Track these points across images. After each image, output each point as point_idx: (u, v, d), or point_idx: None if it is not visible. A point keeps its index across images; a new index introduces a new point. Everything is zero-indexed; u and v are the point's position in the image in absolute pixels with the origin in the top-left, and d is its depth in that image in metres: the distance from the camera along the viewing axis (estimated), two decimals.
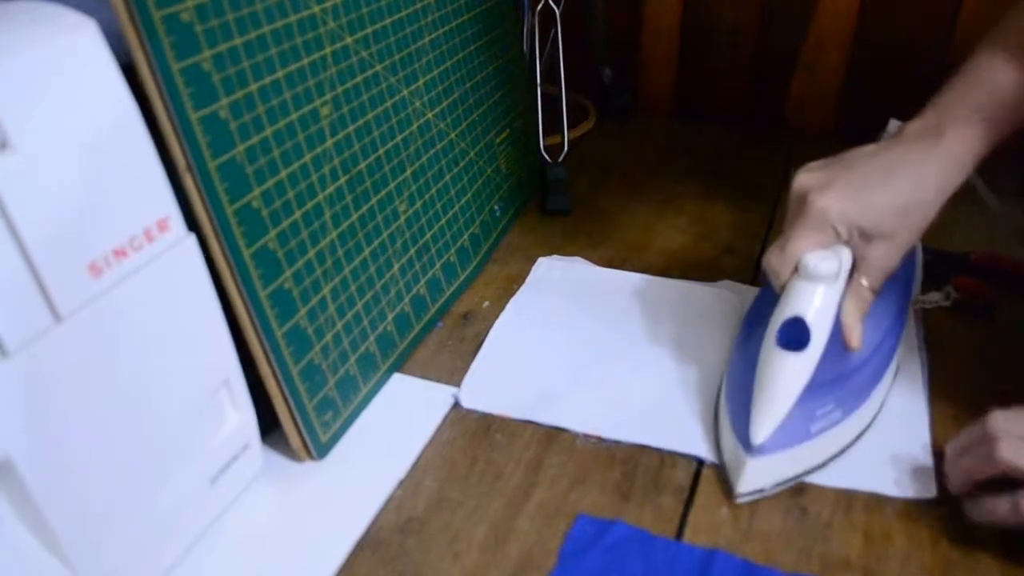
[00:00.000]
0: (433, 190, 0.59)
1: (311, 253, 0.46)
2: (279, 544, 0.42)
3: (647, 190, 0.79)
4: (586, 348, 0.56)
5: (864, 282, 0.47)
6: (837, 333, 0.47)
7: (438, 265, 0.60)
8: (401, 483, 0.46)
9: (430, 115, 0.59)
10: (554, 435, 0.50)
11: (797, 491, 0.46)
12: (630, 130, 0.94)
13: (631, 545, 0.42)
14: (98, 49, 0.33)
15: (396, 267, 0.55)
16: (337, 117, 0.49)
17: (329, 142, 0.48)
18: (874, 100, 0.84)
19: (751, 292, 0.62)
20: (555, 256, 0.68)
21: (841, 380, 0.47)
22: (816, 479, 0.46)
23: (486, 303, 0.62)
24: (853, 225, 0.46)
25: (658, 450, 0.48)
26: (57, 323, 0.32)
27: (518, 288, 0.63)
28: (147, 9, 0.36)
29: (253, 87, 0.42)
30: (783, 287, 0.47)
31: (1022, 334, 0.58)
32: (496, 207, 0.70)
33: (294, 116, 0.45)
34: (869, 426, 0.49)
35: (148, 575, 0.39)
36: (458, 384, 0.53)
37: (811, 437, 0.45)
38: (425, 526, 0.44)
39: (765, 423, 0.44)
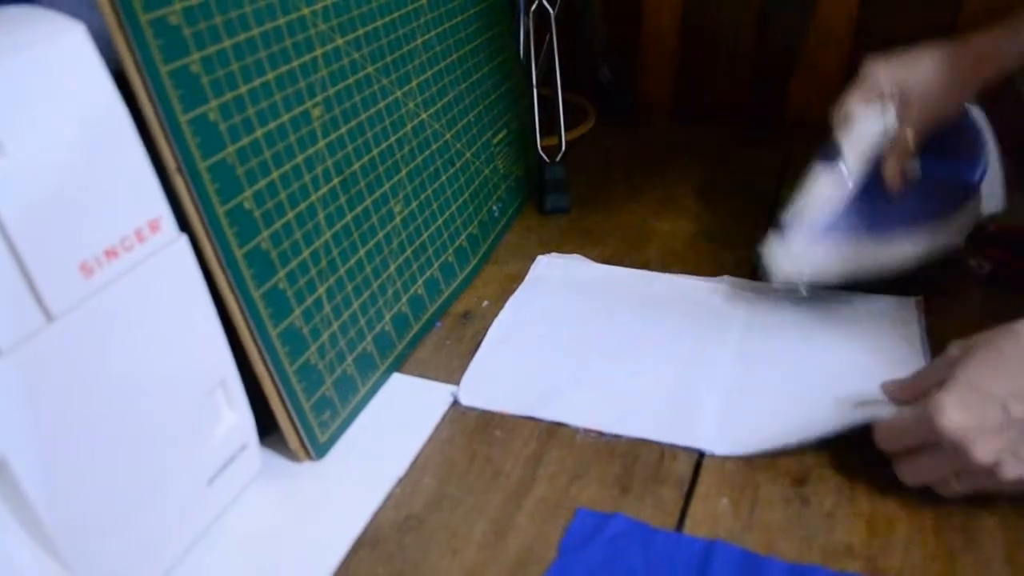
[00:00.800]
0: (429, 191, 0.60)
1: (305, 253, 0.46)
2: (278, 544, 0.43)
3: (646, 189, 0.79)
4: (586, 344, 0.56)
5: (908, 132, 0.56)
6: (879, 176, 0.57)
7: (436, 265, 0.60)
8: (400, 481, 0.46)
9: (424, 116, 0.59)
10: (553, 430, 0.49)
11: (798, 481, 0.45)
12: (629, 130, 0.94)
13: (631, 538, 0.42)
14: (87, 52, 0.34)
15: (393, 267, 0.55)
16: (329, 119, 0.49)
17: (321, 143, 0.48)
18: None
19: (750, 287, 0.62)
20: (554, 254, 0.68)
21: (881, 206, 0.56)
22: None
23: (485, 303, 0.62)
24: (896, 82, 0.56)
25: (658, 443, 0.48)
26: (49, 323, 0.32)
27: (518, 288, 0.63)
28: (134, 12, 0.36)
29: (243, 89, 0.42)
30: (843, 115, 0.57)
31: None
32: (494, 207, 0.70)
33: (285, 118, 0.45)
34: (897, 263, 0.56)
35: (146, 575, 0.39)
36: (457, 383, 0.53)
37: (839, 242, 0.54)
38: (424, 523, 0.44)
39: (804, 219, 0.54)
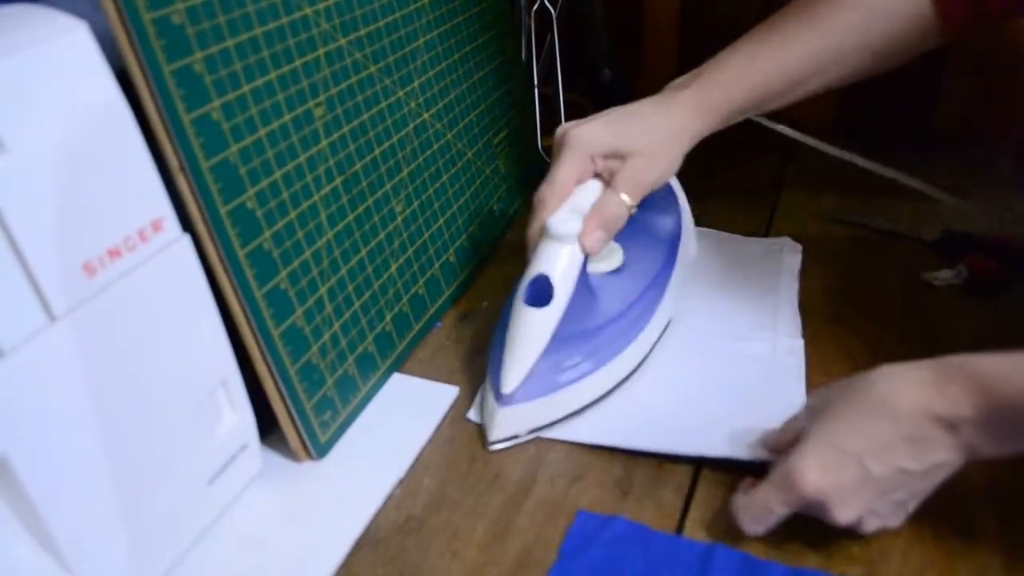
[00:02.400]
0: (430, 190, 0.60)
1: (307, 253, 0.46)
2: (278, 543, 0.42)
3: None
4: None
5: (621, 194, 0.50)
6: (583, 289, 0.50)
7: (436, 265, 0.60)
8: (400, 482, 0.46)
9: (426, 116, 0.59)
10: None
11: None
12: None
13: (631, 540, 0.42)
14: (90, 51, 0.34)
15: (394, 267, 0.55)
16: (331, 118, 0.49)
17: (323, 143, 0.48)
18: (872, 99, 0.83)
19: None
20: None
21: (589, 334, 0.49)
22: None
23: (485, 303, 0.62)
24: (607, 147, 0.50)
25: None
26: (52, 323, 0.32)
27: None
28: (137, 12, 0.36)
29: (246, 88, 0.42)
30: (540, 230, 0.50)
31: None
32: (495, 207, 0.70)
33: (287, 117, 0.45)
34: (628, 377, 0.52)
35: (147, 575, 0.39)
36: (458, 383, 0.53)
37: (560, 388, 0.48)
38: (424, 524, 0.44)
39: (513, 375, 0.47)
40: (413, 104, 0.58)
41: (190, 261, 0.38)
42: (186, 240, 0.38)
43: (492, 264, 0.67)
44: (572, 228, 0.48)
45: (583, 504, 0.44)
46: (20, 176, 0.31)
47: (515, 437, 0.48)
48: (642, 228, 0.56)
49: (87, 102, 0.33)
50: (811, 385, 0.52)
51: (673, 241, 0.57)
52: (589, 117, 0.52)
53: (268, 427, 0.45)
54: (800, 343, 0.55)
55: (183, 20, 0.38)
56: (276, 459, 0.47)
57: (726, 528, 0.43)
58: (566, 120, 0.76)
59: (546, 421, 0.49)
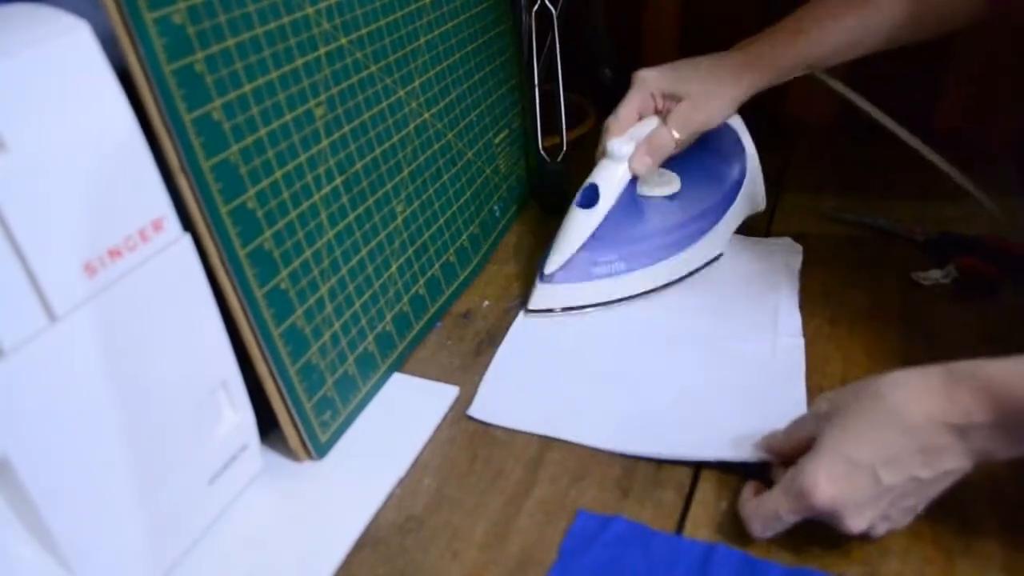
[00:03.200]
0: (431, 190, 0.60)
1: (307, 253, 0.46)
2: (279, 543, 0.43)
3: None
4: (593, 361, 0.56)
5: (672, 130, 0.58)
6: (634, 206, 0.60)
7: (437, 265, 0.60)
8: (401, 482, 0.46)
9: (427, 116, 0.59)
10: None
11: None
12: None
13: (632, 540, 0.42)
14: (91, 51, 0.34)
15: (394, 267, 0.55)
16: (332, 118, 0.49)
17: (324, 143, 0.48)
18: (873, 98, 0.83)
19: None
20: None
21: (628, 240, 0.58)
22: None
23: (486, 303, 0.62)
24: (666, 88, 0.59)
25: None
26: (52, 323, 0.32)
27: (518, 288, 0.63)
28: (139, 11, 0.36)
29: (246, 88, 0.42)
30: (601, 151, 0.60)
31: (1017, 318, 0.57)
32: (496, 207, 0.70)
33: (288, 117, 0.45)
34: (665, 286, 0.61)
35: (147, 575, 0.39)
36: (458, 383, 0.53)
37: (592, 278, 0.58)
38: (424, 524, 0.44)
39: (555, 260, 0.58)
40: (414, 104, 0.58)
41: (191, 261, 0.38)
42: (187, 240, 0.38)
43: (492, 264, 0.67)
44: (625, 151, 0.58)
45: (583, 504, 0.45)
46: (21, 176, 0.31)
47: (550, 311, 0.58)
48: (707, 168, 0.64)
49: (88, 101, 0.33)
50: (810, 384, 0.52)
51: (734, 184, 0.64)
52: (661, 65, 0.61)
53: (268, 427, 0.45)
54: (800, 343, 0.55)
55: (184, 20, 0.38)
56: (276, 459, 0.47)
57: (726, 528, 0.43)
58: (566, 120, 0.77)
59: (576, 303, 0.58)
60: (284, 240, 0.45)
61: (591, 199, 0.58)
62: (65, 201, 0.32)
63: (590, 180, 0.59)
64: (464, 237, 0.64)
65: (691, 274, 0.62)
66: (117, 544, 0.37)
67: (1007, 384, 0.36)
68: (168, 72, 0.38)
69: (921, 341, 0.55)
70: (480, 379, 0.54)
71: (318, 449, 0.47)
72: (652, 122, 0.59)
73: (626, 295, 0.59)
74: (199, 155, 0.39)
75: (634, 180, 0.59)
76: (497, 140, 0.71)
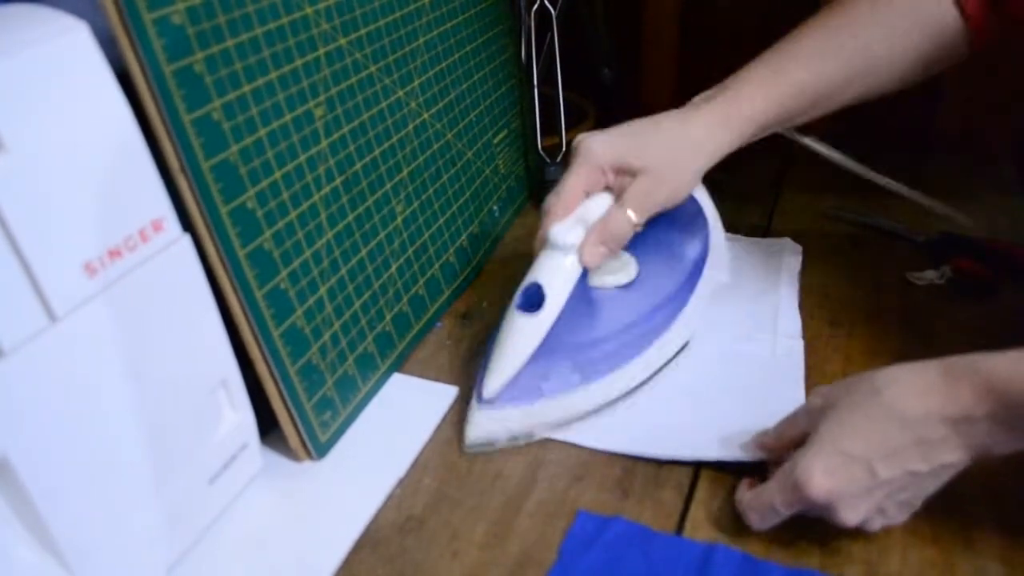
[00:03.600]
0: (430, 190, 0.60)
1: (307, 253, 0.46)
2: (279, 543, 0.43)
3: None
4: None
5: (628, 210, 0.48)
6: (584, 301, 0.49)
7: (436, 265, 0.60)
8: (401, 482, 0.46)
9: (426, 116, 0.59)
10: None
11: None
12: None
13: (631, 540, 0.42)
14: (90, 51, 0.34)
15: (394, 267, 0.55)
16: (331, 118, 0.49)
17: (324, 143, 0.48)
18: (872, 103, 0.83)
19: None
20: None
21: (581, 347, 0.48)
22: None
23: (485, 303, 0.62)
24: (618, 161, 0.49)
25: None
26: (52, 323, 0.32)
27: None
28: (138, 12, 0.36)
29: (246, 88, 0.42)
30: (542, 239, 0.49)
31: (1012, 320, 0.58)
32: (495, 207, 0.70)
33: (288, 117, 0.45)
34: (622, 397, 0.50)
35: (147, 575, 0.39)
36: (458, 383, 0.53)
37: (543, 396, 0.47)
38: (424, 524, 0.44)
39: (496, 378, 0.47)
40: (413, 104, 0.58)
41: (190, 261, 0.38)
42: (186, 240, 0.38)
43: (492, 264, 0.67)
44: (572, 239, 0.48)
45: (583, 504, 0.45)
46: (20, 176, 0.31)
47: (491, 444, 0.48)
48: (664, 246, 0.54)
49: (88, 102, 0.33)
50: (809, 384, 0.52)
51: (697, 263, 0.55)
52: (609, 128, 0.51)
53: (268, 427, 0.45)
54: (800, 344, 0.55)
55: (183, 20, 0.38)
56: (276, 459, 0.47)
57: (726, 527, 0.43)
58: (566, 120, 0.77)
59: (524, 430, 0.48)
60: (284, 240, 0.45)
61: (535, 302, 0.47)
62: (65, 201, 0.32)
63: (531, 278, 0.48)
64: (464, 237, 0.64)
65: (657, 373, 0.52)
66: (117, 544, 0.37)
67: (1007, 378, 0.36)
68: (167, 73, 0.38)
69: (918, 341, 0.55)
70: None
71: (318, 449, 0.47)
72: (603, 200, 0.49)
73: (584, 411, 0.49)
74: (199, 155, 0.39)
75: (584, 271, 0.49)
76: (496, 140, 0.71)
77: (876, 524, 0.40)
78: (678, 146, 0.50)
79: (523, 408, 0.47)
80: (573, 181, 0.49)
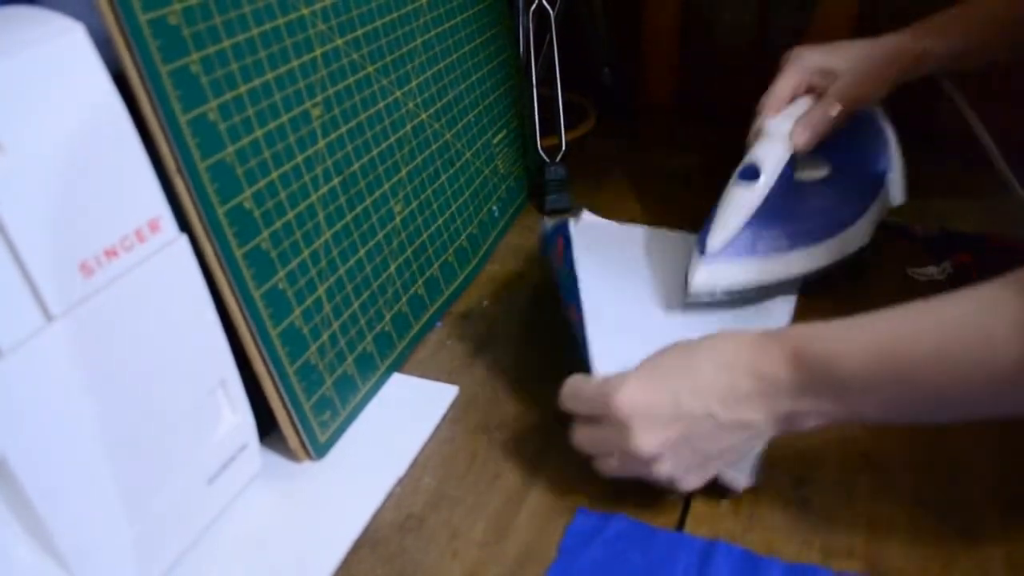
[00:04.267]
0: (429, 191, 0.60)
1: (305, 253, 0.46)
2: (278, 543, 0.43)
3: (647, 189, 0.79)
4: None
5: (832, 100, 0.59)
6: (792, 188, 0.58)
7: (436, 265, 0.60)
8: (400, 481, 0.46)
9: (424, 116, 0.59)
10: (555, 428, 0.49)
11: (798, 482, 0.45)
12: (630, 129, 0.94)
13: (631, 538, 0.42)
14: (86, 52, 0.34)
15: (393, 267, 0.55)
16: (329, 119, 0.49)
17: (321, 143, 0.48)
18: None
19: None
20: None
21: (790, 219, 0.57)
22: None
23: (485, 303, 0.62)
24: (821, 64, 0.60)
25: None
26: (49, 323, 0.32)
27: (518, 288, 0.63)
28: (133, 13, 0.36)
29: (242, 89, 0.42)
30: (757, 130, 0.60)
31: None
32: (495, 207, 0.70)
33: (284, 118, 0.45)
34: (818, 272, 0.58)
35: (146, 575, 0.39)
36: (458, 383, 0.53)
37: (756, 254, 0.56)
38: (424, 523, 0.44)
39: (719, 235, 0.56)
40: (411, 104, 0.58)
41: (187, 261, 0.39)
42: (183, 240, 0.38)
43: (492, 264, 0.67)
44: (784, 128, 0.58)
45: (583, 501, 0.44)
46: (17, 177, 0.31)
47: (712, 295, 0.55)
48: (853, 157, 0.63)
49: (84, 103, 0.34)
50: None
51: (880, 174, 0.63)
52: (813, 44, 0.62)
53: (268, 427, 0.45)
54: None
55: (179, 21, 0.39)
56: (276, 459, 0.47)
57: (728, 523, 0.43)
58: (565, 120, 0.77)
59: (740, 285, 0.55)
60: (281, 240, 0.45)
61: (752, 175, 0.57)
62: (61, 202, 0.33)
63: (748, 160, 0.58)
64: (463, 237, 0.64)
65: (842, 261, 0.59)
66: (115, 544, 0.37)
67: (808, 340, 0.38)
68: (164, 73, 0.38)
69: None
70: (480, 379, 0.54)
71: (317, 449, 0.47)
72: (805, 102, 0.60)
73: (789, 276, 0.57)
74: (195, 156, 0.39)
75: (790, 163, 0.59)
76: (496, 140, 0.71)
77: (665, 468, 0.40)
78: (868, 57, 0.60)
79: (740, 263, 0.55)
80: (785, 81, 0.60)
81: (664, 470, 0.40)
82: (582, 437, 0.43)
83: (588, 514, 0.43)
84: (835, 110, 0.58)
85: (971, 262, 0.61)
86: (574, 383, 0.44)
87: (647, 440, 0.39)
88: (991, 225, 0.66)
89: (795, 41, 0.84)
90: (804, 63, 0.60)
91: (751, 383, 0.39)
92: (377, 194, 0.53)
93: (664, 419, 0.39)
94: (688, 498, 0.44)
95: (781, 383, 0.38)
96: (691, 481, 0.41)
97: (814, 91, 0.60)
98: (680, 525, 0.43)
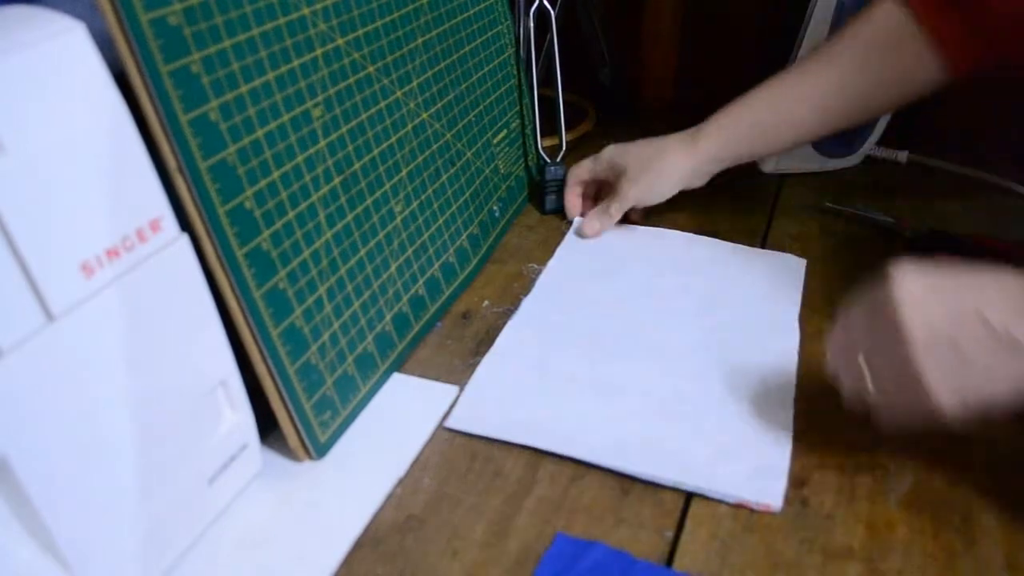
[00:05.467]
0: (430, 191, 0.60)
1: (306, 253, 0.46)
2: (278, 543, 0.43)
3: None
4: (588, 357, 0.55)
5: (612, 207, 0.67)
6: None
7: (436, 265, 0.60)
8: (400, 481, 0.46)
9: (425, 116, 0.59)
10: None
11: (798, 482, 0.45)
12: (629, 130, 0.93)
13: (609, 570, 0.40)
14: (87, 52, 0.34)
15: (393, 267, 0.55)
16: (330, 118, 0.49)
17: (322, 143, 0.48)
18: None
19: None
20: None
21: None
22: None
23: (485, 303, 0.62)
24: (612, 162, 0.68)
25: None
26: (50, 322, 0.32)
27: (518, 288, 0.63)
28: (135, 12, 0.36)
29: (243, 89, 0.42)
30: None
31: None
32: (495, 207, 0.70)
33: (285, 118, 0.45)
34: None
35: (146, 575, 0.39)
36: (458, 383, 0.53)
37: None
38: (424, 524, 0.44)
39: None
40: (412, 104, 0.58)
41: (188, 261, 0.39)
42: (184, 240, 0.38)
43: (492, 264, 0.67)
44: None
45: (584, 502, 0.44)
46: (18, 177, 0.31)
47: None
48: None
49: (85, 103, 0.34)
50: (804, 383, 0.51)
51: None
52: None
53: (268, 427, 0.45)
54: (795, 361, 0.54)
55: (180, 21, 0.38)
56: (276, 459, 0.47)
57: (729, 522, 0.43)
58: (565, 121, 0.77)
59: None
60: (282, 240, 0.45)
61: None
62: (62, 202, 0.33)
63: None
64: (463, 237, 0.64)
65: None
66: (116, 544, 0.37)
67: None
68: (164, 73, 0.38)
69: None
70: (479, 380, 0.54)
71: (318, 449, 0.47)
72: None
73: None
74: (196, 156, 0.39)
75: None
76: (496, 140, 0.71)
77: (930, 367, 0.37)
78: (655, 163, 0.65)
79: None
80: (576, 169, 0.70)
81: (930, 368, 0.37)
82: (840, 344, 0.41)
83: (567, 540, 0.42)
84: (614, 215, 0.67)
85: (951, 262, 0.61)
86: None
87: (917, 323, 0.37)
88: (991, 226, 0.66)
89: (795, 38, 0.85)
90: (602, 157, 0.69)
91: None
92: (378, 194, 0.53)
93: (940, 311, 0.37)
94: (688, 500, 0.44)
95: None
96: (947, 397, 0.37)
97: (610, 181, 0.68)
98: (680, 526, 0.43)
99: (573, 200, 0.71)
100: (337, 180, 0.50)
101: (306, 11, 0.47)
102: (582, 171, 0.70)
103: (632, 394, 0.52)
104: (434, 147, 0.60)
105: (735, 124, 0.63)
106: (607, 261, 0.66)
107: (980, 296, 0.37)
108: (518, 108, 0.76)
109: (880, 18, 0.57)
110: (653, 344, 0.56)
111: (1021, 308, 0.36)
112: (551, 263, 0.66)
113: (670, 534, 0.43)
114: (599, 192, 0.72)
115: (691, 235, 0.70)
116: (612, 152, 0.68)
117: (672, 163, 0.65)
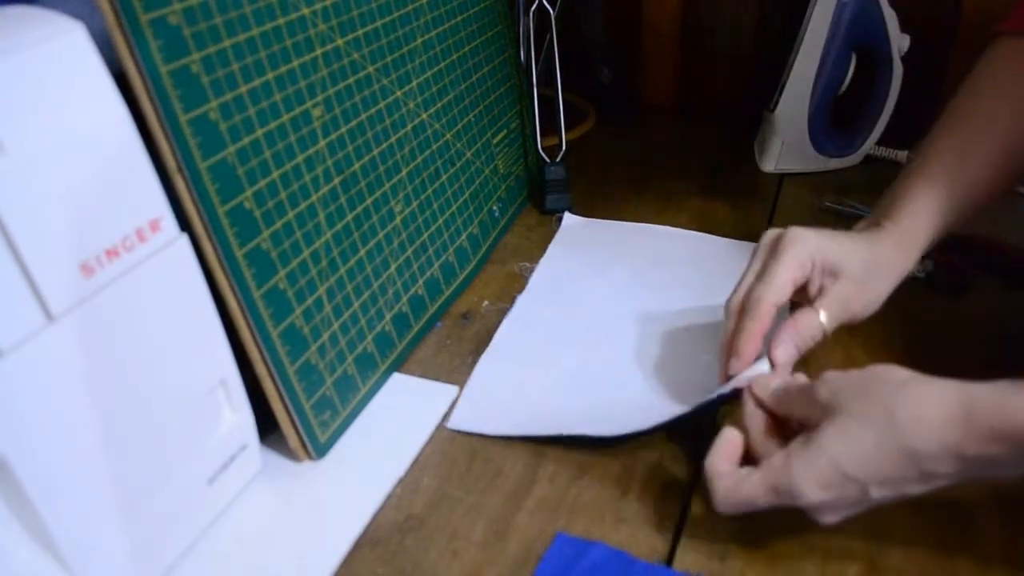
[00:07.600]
0: (430, 191, 0.60)
1: (305, 253, 0.46)
2: (278, 543, 0.42)
3: (647, 189, 0.79)
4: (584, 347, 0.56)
5: (821, 315, 0.48)
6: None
7: (436, 265, 0.60)
8: (400, 481, 0.46)
9: (424, 116, 0.59)
10: None
11: None
12: (629, 130, 0.94)
13: (609, 570, 0.40)
14: (87, 52, 0.34)
15: (393, 267, 0.55)
16: (329, 119, 0.49)
17: (322, 143, 0.48)
18: None
19: None
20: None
21: None
22: None
23: (485, 303, 0.62)
24: (831, 259, 0.48)
25: (657, 434, 0.48)
26: (49, 323, 0.32)
27: (518, 288, 0.63)
28: (134, 12, 0.36)
29: (243, 89, 0.42)
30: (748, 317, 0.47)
31: (990, 315, 0.59)
32: (495, 207, 0.70)
33: (285, 118, 0.45)
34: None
35: (146, 575, 0.39)
36: (458, 383, 0.53)
37: None
38: (424, 524, 0.44)
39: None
40: (411, 104, 0.58)
41: (188, 261, 0.39)
42: (184, 240, 0.38)
43: (492, 264, 0.67)
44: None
45: (584, 501, 0.44)
46: (18, 177, 0.31)
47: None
48: None
49: (85, 102, 0.34)
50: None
51: None
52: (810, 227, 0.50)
53: (268, 427, 0.45)
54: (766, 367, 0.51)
55: (180, 21, 0.38)
56: (276, 459, 0.47)
57: (729, 522, 0.42)
58: (565, 121, 0.77)
59: None
60: (282, 240, 0.45)
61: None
62: (62, 202, 0.33)
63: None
64: (463, 237, 0.64)
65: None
66: (116, 544, 0.37)
67: (1015, 416, 0.35)
68: (164, 73, 0.38)
69: (898, 332, 0.55)
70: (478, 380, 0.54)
71: (317, 449, 0.47)
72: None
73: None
74: (196, 156, 0.39)
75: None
76: (496, 140, 0.71)
77: (828, 519, 0.39)
78: (874, 263, 0.49)
79: None
80: (787, 270, 0.47)
81: (828, 520, 0.39)
82: (757, 504, 0.39)
83: (567, 540, 0.42)
84: (824, 327, 0.48)
85: (953, 262, 0.62)
86: (735, 488, 0.40)
87: (832, 519, 0.39)
88: (991, 226, 0.66)
89: (793, 41, 0.85)
90: (810, 251, 0.47)
91: (956, 465, 0.36)
92: (378, 194, 0.53)
93: (852, 505, 0.38)
94: (688, 498, 0.44)
95: (993, 459, 0.36)
96: (830, 517, 0.39)
97: (806, 288, 0.49)
98: (680, 522, 0.43)
99: (779, 294, 0.47)
100: (337, 180, 0.50)
101: (306, 11, 0.47)
102: (787, 270, 0.47)
103: (627, 384, 0.53)
104: (434, 147, 0.60)
105: (932, 212, 0.50)
106: (600, 256, 0.67)
107: (900, 484, 0.37)
108: (518, 108, 0.76)
109: (1006, 54, 0.53)
110: (647, 335, 0.57)
111: (931, 473, 0.37)
112: (543, 260, 0.66)
113: (670, 534, 0.43)
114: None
115: (684, 231, 0.70)
116: (821, 241, 0.48)
117: (890, 266, 0.50)
